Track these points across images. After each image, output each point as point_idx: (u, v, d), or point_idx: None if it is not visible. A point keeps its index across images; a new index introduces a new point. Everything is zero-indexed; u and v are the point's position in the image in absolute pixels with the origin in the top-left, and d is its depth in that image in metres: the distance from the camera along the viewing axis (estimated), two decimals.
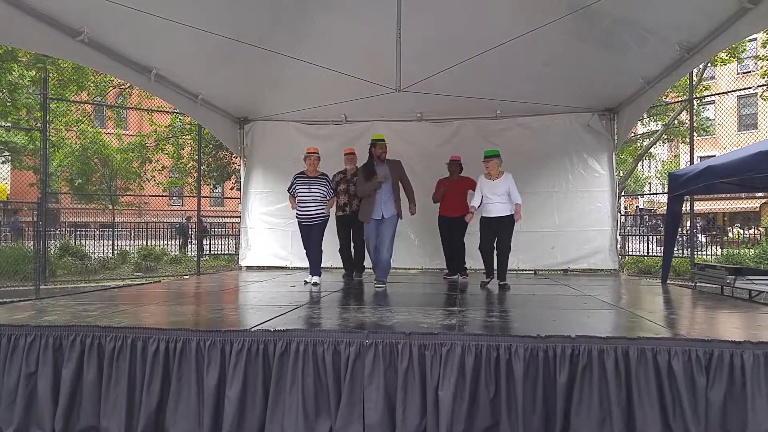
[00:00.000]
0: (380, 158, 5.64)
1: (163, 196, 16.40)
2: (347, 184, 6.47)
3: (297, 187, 5.71)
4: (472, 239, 6.14)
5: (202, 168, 11.80)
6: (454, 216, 6.20)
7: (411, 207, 5.81)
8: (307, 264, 6.04)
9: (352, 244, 6.58)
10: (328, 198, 5.76)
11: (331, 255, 6.67)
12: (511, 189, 5.48)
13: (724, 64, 13.12)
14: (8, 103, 11.81)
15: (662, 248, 7.18)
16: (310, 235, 5.73)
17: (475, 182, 6.08)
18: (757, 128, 19.36)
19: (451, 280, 6.39)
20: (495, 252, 5.61)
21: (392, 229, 5.54)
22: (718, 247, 12.65)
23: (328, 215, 5.83)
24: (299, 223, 5.78)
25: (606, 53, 5.70)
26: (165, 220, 16.45)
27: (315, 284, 5.68)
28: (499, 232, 5.53)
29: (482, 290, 5.35)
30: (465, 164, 6.40)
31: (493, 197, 5.49)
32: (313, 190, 5.66)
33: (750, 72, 22.40)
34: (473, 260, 6.42)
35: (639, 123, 16.42)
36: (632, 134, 16.90)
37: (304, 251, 5.93)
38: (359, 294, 5.13)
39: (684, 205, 7.67)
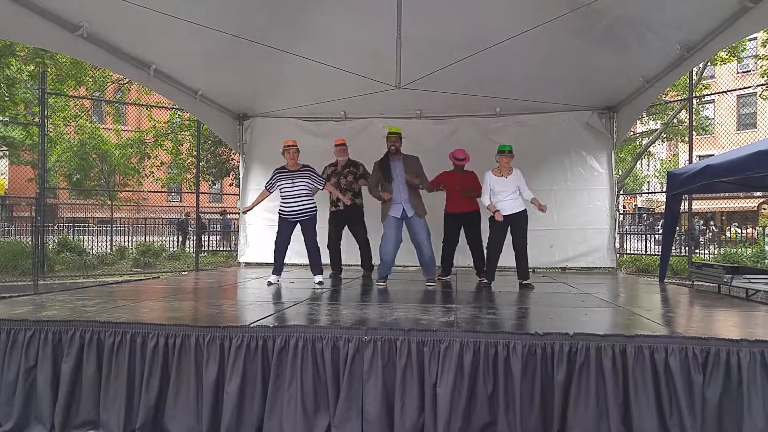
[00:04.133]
0: (393, 153, 5.38)
1: (161, 192, 16.39)
2: (338, 177, 6.09)
3: (279, 183, 5.29)
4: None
5: (201, 164, 11.78)
6: (469, 212, 5.86)
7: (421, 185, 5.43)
8: (273, 261, 5.51)
9: (350, 242, 6.35)
10: (319, 188, 5.41)
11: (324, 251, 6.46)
12: (522, 185, 5.29)
13: (724, 63, 13.14)
14: (6, 98, 11.80)
15: (660, 247, 7.19)
16: (300, 232, 5.35)
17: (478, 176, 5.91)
18: (756, 128, 19.33)
19: (445, 282, 5.88)
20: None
21: (424, 226, 5.34)
22: (716, 246, 12.68)
23: (316, 209, 5.44)
24: (282, 218, 5.35)
25: (606, 51, 5.69)
26: (164, 216, 16.44)
27: (320, 283, 5.36)
28: (513, 231, 5.30)
29: (483, 291, 5.11)
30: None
31: (504, 194, 5.25)
32: (297, 184, 5.26)
33: (750, 71, 22.42)
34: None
35: (638, 122, 16.45)
36: (631, 133, 16.92)
37: (274, 249, 5.40)
38: (358, 291, 5.14)
39: (682, 204, 7.68)
